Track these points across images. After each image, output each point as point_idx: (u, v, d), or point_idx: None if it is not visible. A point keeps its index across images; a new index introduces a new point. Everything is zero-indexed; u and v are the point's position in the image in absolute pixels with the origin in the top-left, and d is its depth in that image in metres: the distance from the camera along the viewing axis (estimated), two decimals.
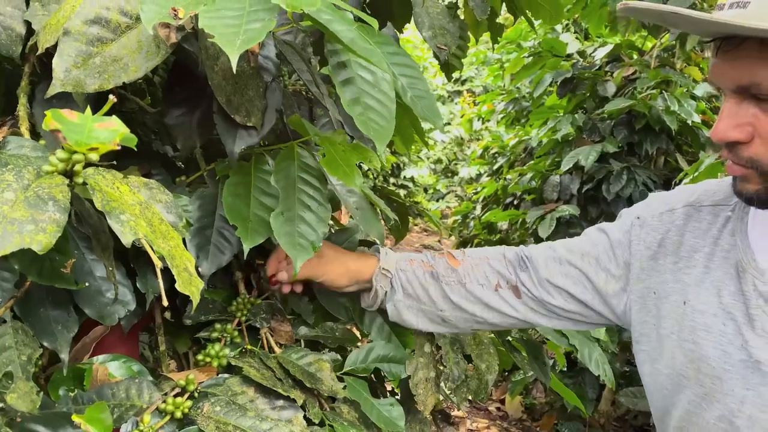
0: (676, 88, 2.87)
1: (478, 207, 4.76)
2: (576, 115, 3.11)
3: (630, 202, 2.78)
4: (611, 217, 2.93)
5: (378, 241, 1.07)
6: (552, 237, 3.00)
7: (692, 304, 0.80)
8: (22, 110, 0.78)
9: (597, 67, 3.23)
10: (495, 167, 4.78)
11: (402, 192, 7.69)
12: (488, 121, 5.86)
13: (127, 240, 0.59)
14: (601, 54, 3.26)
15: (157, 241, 0.62)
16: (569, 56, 3.40)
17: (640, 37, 3.42)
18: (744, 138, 0.66)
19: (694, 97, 2.91)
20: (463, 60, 1.53)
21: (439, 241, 7.00)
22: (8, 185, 0.57)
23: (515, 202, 3.89)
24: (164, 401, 0.79)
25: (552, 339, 1.08)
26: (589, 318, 0.96)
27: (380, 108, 0.77)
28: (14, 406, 0.70)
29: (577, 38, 3.77)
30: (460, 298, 0.97)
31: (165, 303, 0.59)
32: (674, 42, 2.99)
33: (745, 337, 0.73)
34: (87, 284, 0.75)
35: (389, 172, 7.72)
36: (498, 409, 3.34)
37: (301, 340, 1.00)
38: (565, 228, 2.96)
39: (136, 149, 0.62)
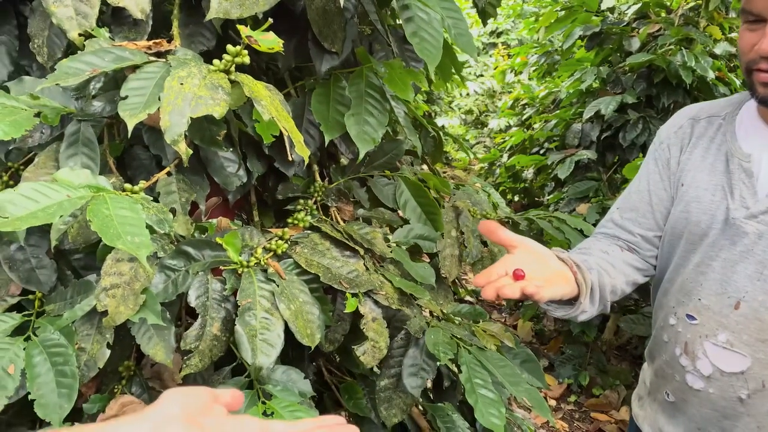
0: (696, 45, 3.07)
1: (505, 156, 5.03)
2: (601, 68, 3.33)
3: (644, 149, 3.03)
4: (626, 163, 3.15)
5: (419, 152, 1.38)
6: (570, 179, 3.28)
7: (688, 184, 1.12)
8: (176, 30, 1.09)
9: (625, 23, 3.42)
10: (524, 118, 5.01)
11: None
12: (521, 73, 6.05)
13: (266, 117, 0.91)
14: (631, 11, 3.45)
15: (282, 120, 0.94)
16: (601, 12, 3.59)
17: None
18: None
19: (713, 56, 3.11)
20: (498, 9, 1.80)
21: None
22: (194, 75, 0.88)
23: (540, 152, 4.15)
24: (269, 243, 1.12)
25: (551, 232, 1.38)
26: None
27: (432, 40, 1.07)
28: (176, 231, 1.04)
29: None
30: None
31: (290, 157, 0.91)
32: (700, 1, 3.18)
33: (728, 202, 1.05)
34: (229, 149, 1.07)
35: None
36: None
37: (360, 218, 1.33)
38: (583, 171, 3.23)
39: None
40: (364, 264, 1.18)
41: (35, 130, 0.99)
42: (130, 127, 0.85)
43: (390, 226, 1.35)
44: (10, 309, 1.05)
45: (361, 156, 1.13)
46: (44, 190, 0.75)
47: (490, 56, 8.77)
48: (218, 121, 1.00)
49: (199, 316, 1.01)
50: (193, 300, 1.01)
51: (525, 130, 4.73)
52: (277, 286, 1.04)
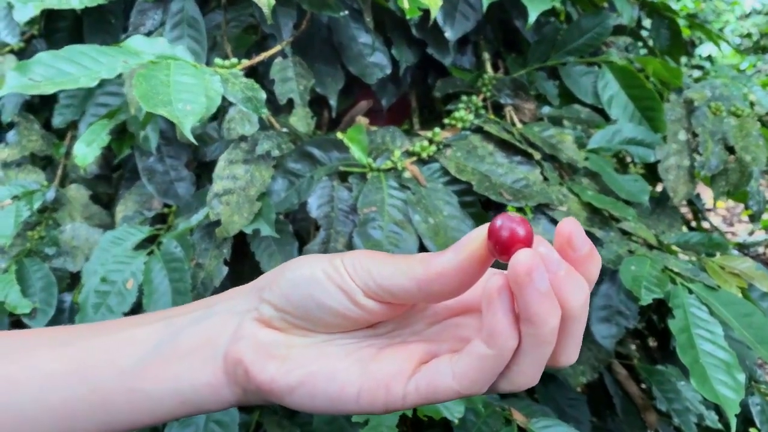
0: None
1: None
2: None
3: None
4: None
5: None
6: None
7: None
8: None
9: None
10: None
11: (695, 72, 6.80)
12: None
13: None
14: None
15: None
16: None
17: None
18: None
19: None
20: None
21: None
22: None
23: None
24: (413, 145, 0.89)
25: None
26: None
27: None
28: (295, 127, 0.86)
29: None
30: None
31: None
32: None
33: None
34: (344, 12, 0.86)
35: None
36: None
37: (545, 118, 1.02)
38: None
39: None
40: (541, 173, 0.88)
41: (148, 18, 0.88)
42: None
43: (587, 127, 1.02)
44: (152, 223, 0.99)
45: (531, 21, 0.83)
46: (94, 54, 0.62)
47: None
48: None
49: (321, 229, 0.83)
50: (314, 210, 0.83)
51: None
52: (413, 194, 0.81)
